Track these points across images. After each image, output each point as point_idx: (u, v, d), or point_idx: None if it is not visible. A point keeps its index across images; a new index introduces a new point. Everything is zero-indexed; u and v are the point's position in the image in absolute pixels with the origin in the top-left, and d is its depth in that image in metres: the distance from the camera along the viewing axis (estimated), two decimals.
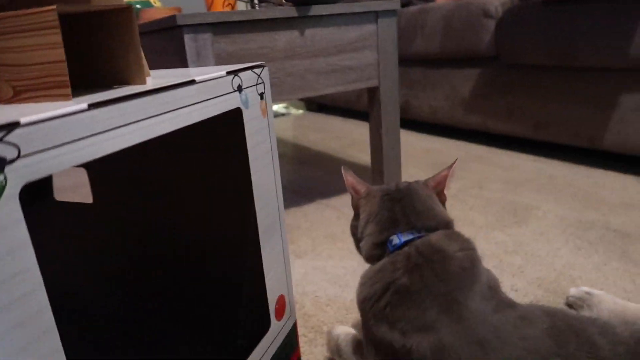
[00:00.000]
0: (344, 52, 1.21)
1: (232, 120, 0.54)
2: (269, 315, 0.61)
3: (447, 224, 0.63)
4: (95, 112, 0.36)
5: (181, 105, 0.45)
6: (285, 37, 1.12)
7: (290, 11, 1.10)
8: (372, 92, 1.31)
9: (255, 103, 0.56)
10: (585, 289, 0.83)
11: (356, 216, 0.69)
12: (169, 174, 0.70)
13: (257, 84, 0.57)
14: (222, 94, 0.51)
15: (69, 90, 0.39)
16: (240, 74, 0.54)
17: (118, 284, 0.60)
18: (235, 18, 1.03)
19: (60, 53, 0.38)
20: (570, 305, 0.84)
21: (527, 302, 0.87)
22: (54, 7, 0.37)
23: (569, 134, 1.57)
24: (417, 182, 0.68)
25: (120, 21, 0.45)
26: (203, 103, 0.48)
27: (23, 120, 0.31)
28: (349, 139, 2.26)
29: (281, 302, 0.64)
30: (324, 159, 1.93)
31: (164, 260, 0.73)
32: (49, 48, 0.39)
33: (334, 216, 1.33)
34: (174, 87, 0.44)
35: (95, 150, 0.36)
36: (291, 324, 0.68)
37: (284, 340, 0.65)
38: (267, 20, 1.08)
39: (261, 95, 0.58)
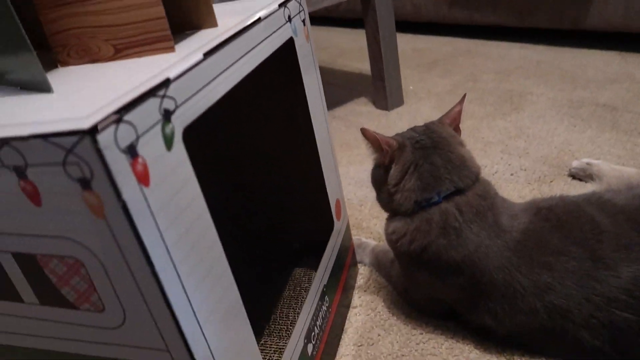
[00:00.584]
0: None
1: (286, 49, 0.59)
2: (332, 217, 0.71)
3: (478, 176, 0.66)
4: (209, 60, 0.41)
5: (256, 43, 0.50)
6: None
7: None
8: (367, 1, 1.33)
9: (300, 30, 0.62)
10: (586, 160, 0.94)
11: (385, 168, 0.68)
12: (247, 110, 0.75)
13: (299, 12, 0.62)
14: (279, 26, 0.56)
15: (172, 43, 0.44)
16: (288, 5, 0.58)
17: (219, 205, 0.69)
18: None
19: (160, 10, 0.43)
20: (573, 176, 0.96)
21: (536, 178, 0.98)
22: None
23: (554, 17, 1.62)
24: (436, 122, 0.70)
25: None
26: (269, 38, 0.53)
27: (172, 75, 0.37)
28: (336, 48, 2.27)
29: (338, 205, 0.74)
30: None
31: (253, 184, 0.81)
32: (148, 6, 0.43)
33: (342, 126, 1.41)
34: (249, 27, 0.49)
35: (214, 94, 0.42)
36: (346, 222, 0.78)
37: (344, 236, 0.76)
38: None
39: (303, 21, 0.63)
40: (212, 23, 0.51)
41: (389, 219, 0.70)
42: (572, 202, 0.65)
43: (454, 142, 0.67)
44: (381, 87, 1.44)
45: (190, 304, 0.38)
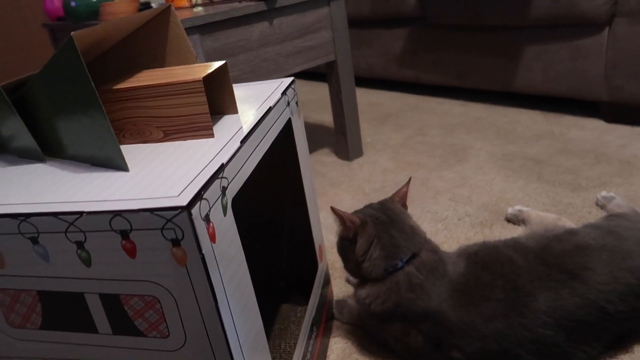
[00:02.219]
0: (306, 34, 1.40)
1: (286, 127, 0.74)
2: (316, 259, 0.86)
3: (425, 239, 0.83)
4: (244, 146, 0.56)
5: (269, 127, 0.65)
6: (259, 29, 1.29)
7: (261, 5, 1.26)
8: (330, 66, 1.52)
9: (295, 111, 0.77)
10: (518, 207, 1.15)
11: (350, 241, 0.81)
12: (260, 174, 0.88)
13: (294, 96, 0.78)
14: (282, 111, 0.71)
15: (212, 132, 0.58)
16: (287, 92, 0.74)
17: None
18: (218, 18, 1.19)
19: (205, 108, 0.57)
20: (509, 220, 1.16)
21: (479, 222, 1.17)
22: (200, 78, 0.56)
23: (487, 80, 1.88)
24: (389, 200, 0.86)
25: (219, 73, 0.63)
26: (277, 121, 0.68)
27: (224, 161, 0.51)
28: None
29: (320, 248, 0.88)
30: None
31: (257, 234, 0.94)
32: (196, 105, 0.57)
33: (318, 174, 1.56)
34: (266, 114, 0.64)
35: (247, 171, 0.56)
36: (326, 264, 0.92)
37: (324, 276, 0.90)
38: (243, 16, 1.24)
39: (296, 103, 0.79)
40: (234, 110, 0.66)
41: (359, 286, 0.83)
42: (492, 246, 0.83)
43: (404, 216, 0.84)
44: (343, 140, 1.62)
45: (236, 330, 0.51)
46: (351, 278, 0.97)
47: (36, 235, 0.48)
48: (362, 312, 0.89)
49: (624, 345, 0.78)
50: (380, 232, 0.80)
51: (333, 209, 0.81)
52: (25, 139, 0.59)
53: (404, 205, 0.88)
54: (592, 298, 0.72)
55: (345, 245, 0.83)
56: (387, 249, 0.79)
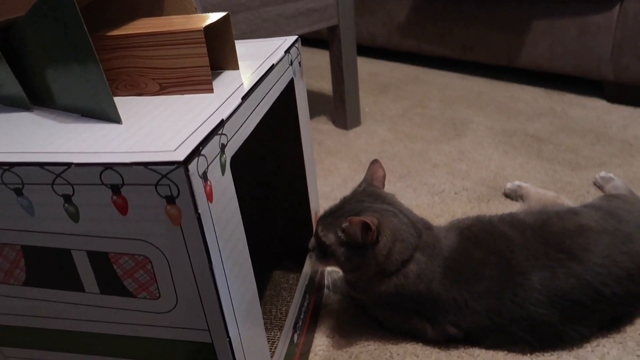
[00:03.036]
0: None
1: (288, 88, 0.71)
2: (312, 226, 0.84)
3: (420, 218, 0.79)
4: (246, 103, 0.53)
5: (272, 86, 0.62)
6: None
7: None
8: (332, 30, 1.47)
9: (298, 71, 0.74)
10: (517, 183, 1.13)
11: (368, 245, 0.70)
12: (258, 136, 0.84)
13: (297, 55, 0.74)
14: (285, 70, 0.68)
15: (212, 87, 0.55)
16: (291, 51, 0.70)
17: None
18: None
19: (205, 60, 0.54)
20: (507, 195, 1.14)
21: (476, 197, 1.16)
22: (201, 27, 0.52)
23: (491, 54, 1.84)
24: (377, 188, 0.79)
25: (221, 25, 0.59)
26: (279, 80, 0.65)
27: (224, 117, 0.48)
28: None
29: (316, 215, 0.86)
30: None
31: (255, 198, 0.89)
32: (195, 57, 0.54)
33: (314, 142, 1.53)
34: (269, 71, 0.61)
35: (247, 129, 0.53)
36: None
37: None
38: None
39: (299, 63, 0.75)
40: (235, 66, 0.62)
41: (373, 284, 0.75)
42: (487, 221, 0.81)
43: (397, 200, 0.79)
44: (341, 108, 1.58)
45: (230, 293, 0.49)
46: (344, 289, 0.90)
47: (20, 186, 0.45)
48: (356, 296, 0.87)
49: (617, 327, 0.78)
50: (396, 223, 0.73)
51: (351, 220, 0.68)
52: (10, 86, 0.56)
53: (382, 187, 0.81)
54: (588, 279, 0.71)
55: (360, 253, 0.72)
56: (405, 239, 0.73)
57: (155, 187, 0.42)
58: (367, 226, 0.68)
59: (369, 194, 0.78)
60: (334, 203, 0.79)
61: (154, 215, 0.43)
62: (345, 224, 0.70)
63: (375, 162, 0.83)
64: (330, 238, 0.73)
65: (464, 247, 0.76)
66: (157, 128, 0.47)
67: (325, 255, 0.74)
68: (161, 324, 0.50)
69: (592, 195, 1.10)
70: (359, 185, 0.81)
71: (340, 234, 0.72)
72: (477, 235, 0.77)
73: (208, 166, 0.44)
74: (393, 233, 0.72)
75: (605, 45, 1.53)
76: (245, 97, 0.53)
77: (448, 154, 1.38)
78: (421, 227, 0.77)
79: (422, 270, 0.74)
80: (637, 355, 0.73)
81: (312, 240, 0.77)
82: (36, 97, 0.56)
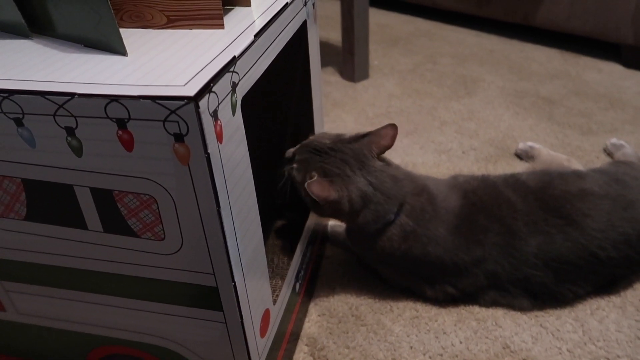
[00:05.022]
0: None
1: (300, 30, 0.67)
2: None
3: (412, 180, 0.76)
4: (258, 41, 0.50)
5: (285, 25, 0.59)
6: None
7: None
8: None
9: (311, 13, 0.70)
10: (530, 143, 1.11)
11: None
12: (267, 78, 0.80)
13: None
14: (299, 11, 0.64)
15: (222, 22, 0.52)
16: None
17: None
18: None
19: None
20: (518, 155, 1.12)
21: (483, 157, 1.14)
22: None
23: (507, 11, 1.77)
24: (361, 146, 0.72)
25: None
26: (292, 21, 0.62)
27: (237, 54, 0.45)
28: None
29: None
30: None
31: (263, 144, 0.85)
32: None
33: None
34: (282, 10, 0.57)
35: (260, 69, 0.51)
36: None
37: None
38: None
39: (313, 5, 0.71)
40: (247, 3, 0.59)
41: (365, 243, 0.76)
42: (492, 183, 0.79)
43: (378, 163, 0.73)
44: (350, 60, 1.54)
45: (236, 237, 0.47)
46: (346, 243, 0.87)
47: (21, 116, 0.43)
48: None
49: (617, 291, 0.78)
50: (361, 191, 0.70)
51: (309, 185, 0.67)
52: (8, 10, 0.52)
53: (381, 153, 0.74)
54: (584, 243, 0.72)
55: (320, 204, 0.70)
56: (373, 208, 0.71)
57: (163, 124, 0.39)
58: (322, 197, 0.67)
59: (353, 154, 0.72)
60: (328, 133, 0.77)
61: (161, 153, 0.41)
62: (307, 181, 0.68)
63: (392, 126, 0.74)
64: (298, 177, 0.73)
65: (468, 212, 0.75)
66: (165, 62, 0.45)
67: (294, 187, 0.75)
68: (165, 265, 0.49)
69: (602, 162, 1.08)
70: (355, 138, 0.74)
71: (305, 183, 0.68)
72: (482, 201, 0.76)
73: (219, 105, 0.42)
74: (353, 204, 0.70)
75: (627, 7, 1.47)
76: (258, 35, 0.50)
77: (457, 112, 1.34)
78: (406, 192, 0.73)
79: (409, 234, 0.73)
80: (636, 320, 0.74)
81: (290, 151, 0.76)
82: (35, 24, 0.53)
